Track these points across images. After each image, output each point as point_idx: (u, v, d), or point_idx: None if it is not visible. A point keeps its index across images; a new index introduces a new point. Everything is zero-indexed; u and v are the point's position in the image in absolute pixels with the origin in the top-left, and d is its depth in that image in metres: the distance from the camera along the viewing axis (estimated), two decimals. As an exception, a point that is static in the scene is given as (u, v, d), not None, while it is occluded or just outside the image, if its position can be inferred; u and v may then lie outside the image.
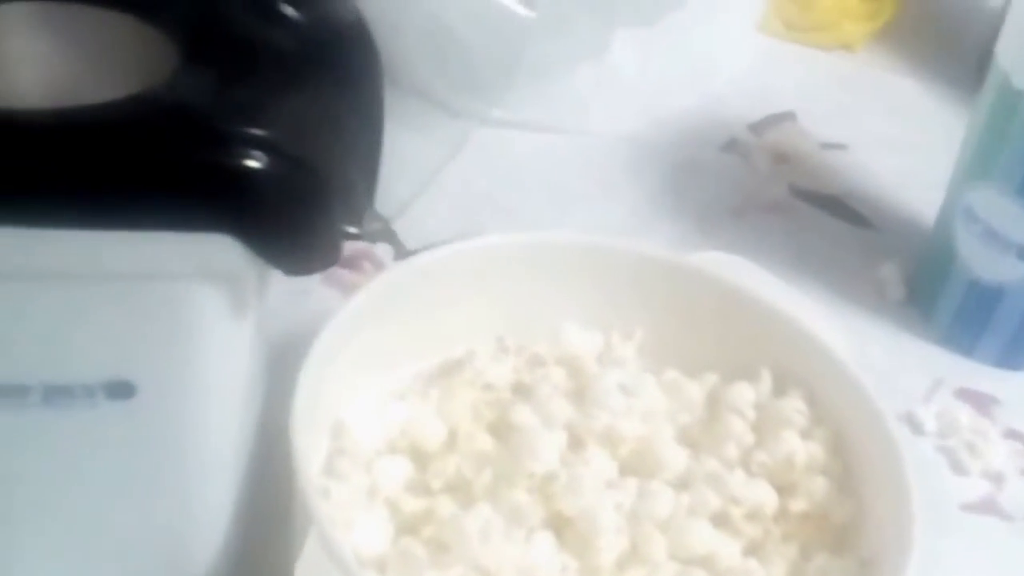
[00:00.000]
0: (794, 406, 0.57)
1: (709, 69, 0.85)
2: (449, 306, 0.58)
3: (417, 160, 0.46)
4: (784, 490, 0.55)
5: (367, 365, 0.56)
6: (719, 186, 0.80)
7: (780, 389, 0.58)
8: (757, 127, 0.84)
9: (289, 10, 0.45)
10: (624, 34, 0.79)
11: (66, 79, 0.44)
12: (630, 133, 0.81)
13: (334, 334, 0.53)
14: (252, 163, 0.39)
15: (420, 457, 0.56)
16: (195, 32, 0.44)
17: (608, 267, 0.61)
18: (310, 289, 0.64)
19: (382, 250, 0.69)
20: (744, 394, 0.58)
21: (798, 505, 0.55)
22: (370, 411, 0.57)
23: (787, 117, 0.86)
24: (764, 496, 0.55)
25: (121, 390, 0.42)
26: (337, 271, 0.65)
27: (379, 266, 0.68)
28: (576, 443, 0.56)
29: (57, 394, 0.42)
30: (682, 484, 0.55)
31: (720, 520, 0.54)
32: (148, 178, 0.39)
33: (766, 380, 0.58)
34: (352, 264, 0.67)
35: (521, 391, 0.58)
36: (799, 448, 0.56)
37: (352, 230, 0.43)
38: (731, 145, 0.83)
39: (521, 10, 0.48)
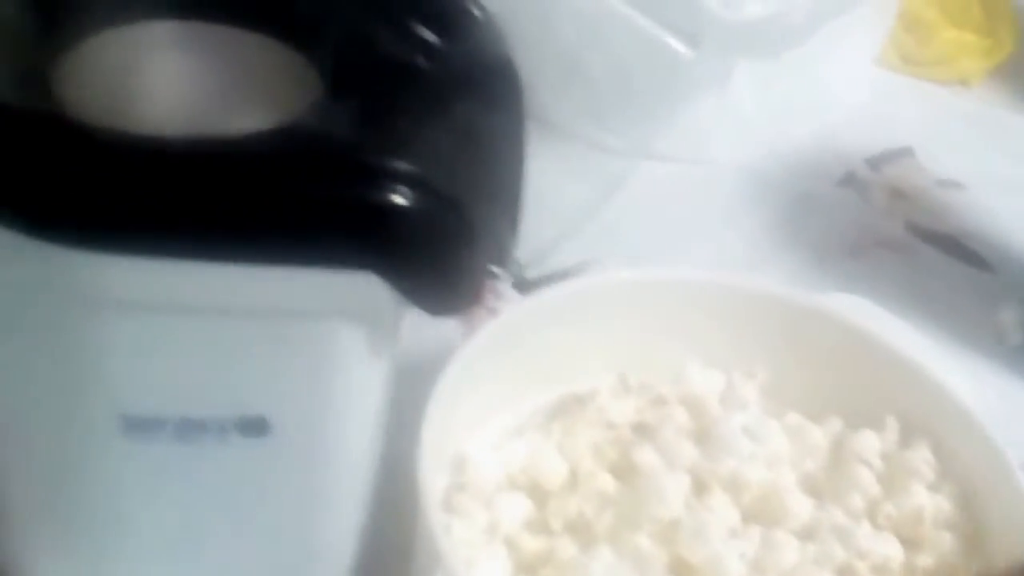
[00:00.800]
0: (922, 457, 0.55)
1: (827, 102, 0.84)
2: (571, 342, 0.58)
3: (556, 200, 0.45)
4: (910, 544, 0.54)
5: (488, 399, 0.56)
6: (836, 221, 0.78)
7: (906, 438, 0.57)
8: (874, 161, 0.83)
9: (433, 37, 0.44)
10: (743, 65, 0.78)
11: (209, 99, 0.43)
12: (749, 164, 0.80)
13: (459, 370, 0.52)
14: (400, 199, 0.38)
15: (540, 495, 0.55)
16: (339, 58, 0.43)
17: (731, 305, 0.60)
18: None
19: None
20: (870, 443, 0.56)
21: (925, 560, 0.54)
22: (490, 446, 0.56)
23: (905, 152, 0.84)
24: (890, 550, 0.53)
25: (254, 427, 0.41)
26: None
27: (499, 296, 0.67)
28: (699, 487, 0.54)
29: (190, 429, 0.41)
30: (807, 534, 0.54)
31: (845, 573, 0.53)
32: (292, 213, 0.38)
33: (892, 429, 0.57)
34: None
35: (643, 431, 0.57)
36: (927, 502, 0.54)
37: (496, 270, 0.41)
38: (848, 179, 0.81)
39: (682, 49, 0.47)
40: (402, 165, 0.38)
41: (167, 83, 0.43)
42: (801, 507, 0.54)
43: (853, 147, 0.83)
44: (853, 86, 0.86)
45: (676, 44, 0.46)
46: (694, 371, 0.59)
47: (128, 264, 0.37)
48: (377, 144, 0.39)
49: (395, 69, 0.43)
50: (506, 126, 0.44)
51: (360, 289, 0.39)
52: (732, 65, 0.76)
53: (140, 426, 0.41)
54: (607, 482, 0.54)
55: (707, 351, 0.59)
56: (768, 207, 0.78)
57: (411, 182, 0.38)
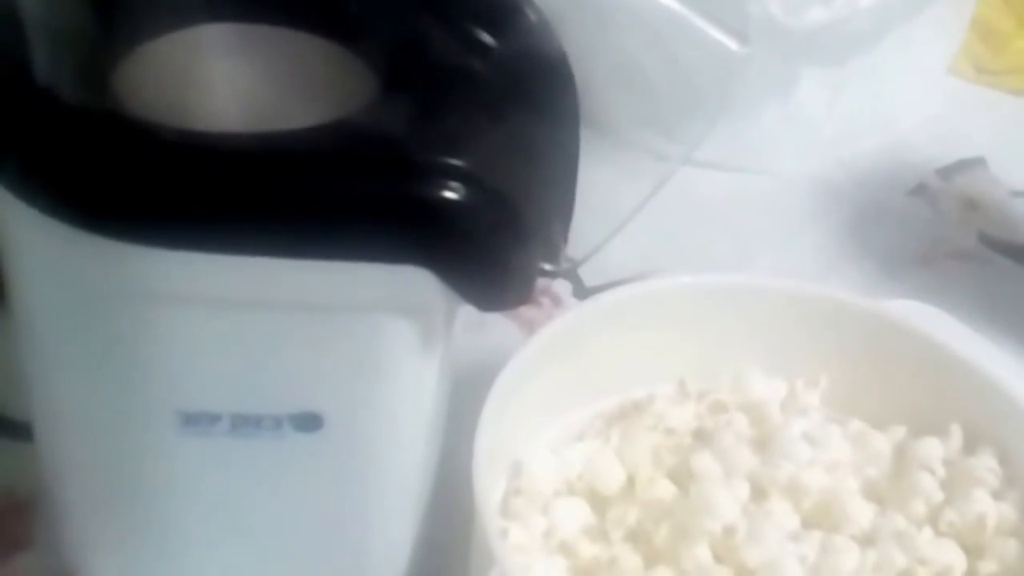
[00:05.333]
0: (986, 464, 0.55)
1: (897, 112, 0.83)
2: (630, 347, 0.57)
3: (610, 201, 0.45)
4: (973, 551, 0.53)
5: (546, 404, 0.56)
6: (906, 231, 0.77)
7: (970, 446, 0.56)
8: (945, 172, 0.82)
9: (488, 39, 0.44)
10: (812, 74, 0.78)
11: (265, 101, 0.44)
12: (815, 174, 0.80)
13: (516, 373, 0.52)
14: (450, 194, 0.38)
15: (598, 501, 0.54)
16: (393, 59, 0.43)
17: (794, 311, 0.59)
18: (487, 322, 0.64)
19: (560, 286, 0.68)
20: (933, 449, 0.56)
21: (988, 568, 0.53)
22: (548, 451, 0.56)
23: (977, 163, 0.83)
24: (952, 558, 0.53)
25: (308, 422, 0.42)
26: (516, 306, 0.64)
27: (557, 302, 0.68)
28: (758, 494, 0.54)
29: (245, 424, 0.42)
30: (867, 540, 0.53)
31: (906, 580, 0.52)
32: (344, 207, 0.38)
33: (956, 436, 0.56)
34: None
35: (703, 437, 0.56)
36: (991, 509, 0.53)
37: (547, 267, 0.42)
38: (919, 190, 0.81)
39: (733, 45, 0.46)
40: (453, 161, 0.39)
41: (225, 85, 0.44)
42: (862, 513, 0.54)
43: (924, 157, 0.83)
44: (925, 96, 0.85)
45: (726, 40, 0.46)
46: (755, 377, 0.59)
47: (183, 258, 0.38)
48: (429, 140, 0.39)
49: (449, 70, 0.43)
50: (559, 125, 0.44)
51: (411, 284, 0.39)
52: (796, 73, 0.76)
53: (196, 421, 0.41)
54: (666, 488, 0.54)
55: (768, 357, 0.59)
56: (837, 217, 0.78)
57: (462, 177, 0.38)
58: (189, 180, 0.37)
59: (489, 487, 0.50)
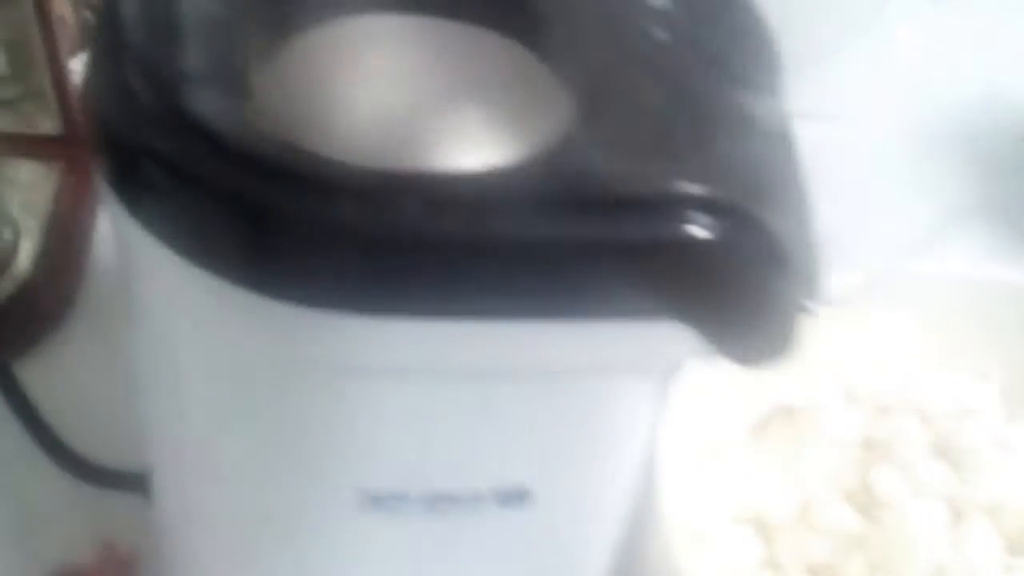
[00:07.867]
0: None
1: (998, 50, 0.76)
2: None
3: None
4: None
5: (696, 412, 0.49)
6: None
7: None
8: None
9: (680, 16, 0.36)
10: (903, 10, 0.71)
11: (435, 109, 0.36)
12: (914, 122, 0.73)
13: (684, 397, 0.45)
14: (703, 232, 0.31)
15: (768, 529, 0.48)
16: (588, 66, 0.35)
17: (956, 300, 0.53)
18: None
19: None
20: None
21: None
22: (707, 470, 0.49)
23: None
24: None
25: (514, 497, 0.35)
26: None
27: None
28: (953, 515, 0.48)
29: (441, 501, 0.35)
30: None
31: None
32: (574, 258, 0.31)
33: None
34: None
35: (874, 447, 0.50)
36: None
37: (812, 305, 0.34)
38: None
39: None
40: (695, 188, 0.31)
41: (386, 88, 0.36)
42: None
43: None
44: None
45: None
46: (923, 377, 0.52)
47: (378, 325, 0.31)
48: (664, 167, 0.32)
49: (650, 67, 0.35)
50: (780, 115, 0.36)
51: (657, 341, 0.32)
52: (881, 7, 0.69)
53: (383, 501, 0.34)
54: (846, 516, 0.48)
55: (935, 352, 0.53)
56: (946, 171, 0.71)
57: (714, 209, 0.31)
58: (383, 233, 0.30)
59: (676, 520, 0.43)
